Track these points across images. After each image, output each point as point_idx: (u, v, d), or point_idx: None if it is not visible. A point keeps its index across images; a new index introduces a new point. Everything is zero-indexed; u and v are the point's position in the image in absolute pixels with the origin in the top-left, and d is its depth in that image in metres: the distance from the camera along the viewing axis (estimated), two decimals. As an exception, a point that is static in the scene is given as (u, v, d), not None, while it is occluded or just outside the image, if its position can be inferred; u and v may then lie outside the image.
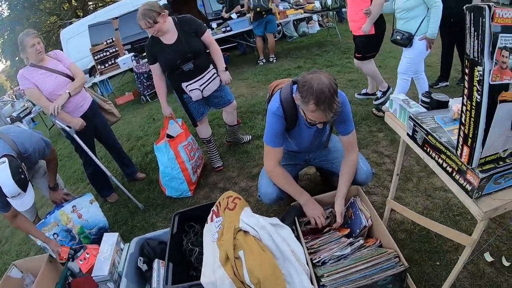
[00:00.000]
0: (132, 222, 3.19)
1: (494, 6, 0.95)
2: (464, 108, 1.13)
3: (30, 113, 8.40)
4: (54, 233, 2.70)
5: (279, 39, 9.27)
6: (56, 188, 2.96)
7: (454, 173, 1.30)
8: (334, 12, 8.38)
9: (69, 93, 2.98)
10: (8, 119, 8.03)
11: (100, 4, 23.10)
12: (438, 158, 1.39)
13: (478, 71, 1.03)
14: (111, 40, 7.79)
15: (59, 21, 22.13)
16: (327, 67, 6.04)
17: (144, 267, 2.26)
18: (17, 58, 23.36)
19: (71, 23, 11.75)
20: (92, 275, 2.17)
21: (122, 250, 2.45)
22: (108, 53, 7.69)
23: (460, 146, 1.21)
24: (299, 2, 8.44)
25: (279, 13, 7.27)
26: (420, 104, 1.70)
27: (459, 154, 1.23)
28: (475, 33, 1.01)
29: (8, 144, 2.28)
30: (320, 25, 9.51)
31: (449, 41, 4.27)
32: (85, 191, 4.28)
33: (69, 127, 3.00)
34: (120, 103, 8.03)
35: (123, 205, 3.52)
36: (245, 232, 1.76)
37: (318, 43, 8.02)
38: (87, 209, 2.85)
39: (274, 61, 7.16)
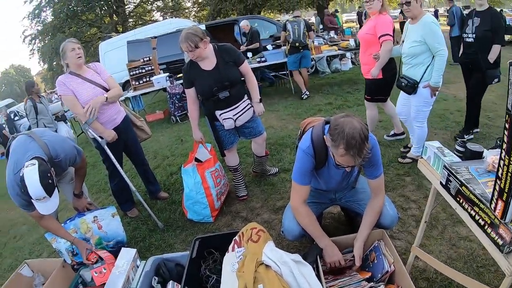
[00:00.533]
0: (149, 240, 3.19)
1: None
2: (502, 162, 1.11)
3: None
4: None
5: (312, 74, 9.36)
6: (81, 195, 3.01)
7: (486, 226, 1.28)
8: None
9: (106, 97, 3.07)
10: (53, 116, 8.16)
11: (139, 22, 24.10)
12: (471, 210, 1.36)
13: None
14: (148, 58, 8.08)
15: (99, 33, 23.20)
16: (357, 105, 6.01)
17: (157, 287, 2.25)
18: (54, 63, 24.42)
19: (110, 37, 12.25)
20: None
21: (138, 267, 2.44)
22: (143, 71, 7.98)
23: (494, 200, 1.18)
24: (333, 39, 8.57)
25: (314, 49, 7.36)
26: (454, 153, 1.68)
27: (493, 208, 1.20)
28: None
29: (41, 148, 2.33)
30: (353, 62, 9.58)
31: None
32: (106, 202, 4.38)
33: (101, 137, 3.07)
34: (150, 120, 8.24)
35: (143, 221, 3.54)
36: (267, 266, 1.74)
37: (350, 81, 8.05)
38: (108, 222, 2.86)
39: (306, 96, 7.16)
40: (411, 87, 3.38)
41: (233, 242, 2.07)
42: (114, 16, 24.18)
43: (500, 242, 1.19)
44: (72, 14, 22.83)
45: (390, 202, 2.25)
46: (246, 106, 3.11)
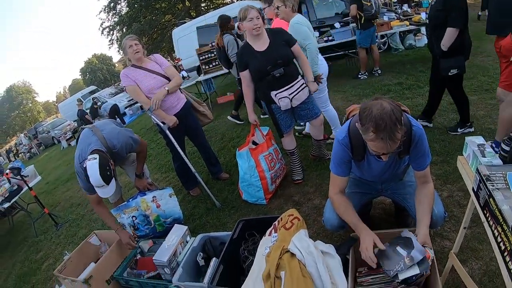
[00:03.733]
0: (206, 218, 3.43)
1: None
2: None
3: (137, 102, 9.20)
4: (133, 216, 3.08)
5: (384, 51, 8.88)
6: (142, 176, 3.33)
7: (505, 253, 1.07)
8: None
9: (167, 90, 3.27)
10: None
11: (212, 6, 24.39)
12: (494, 229, 1.14)
13: None
14: (215, 42, 8.20)
15: (173, 20, 23.89)
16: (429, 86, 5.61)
17: (201, 262, 2.46)
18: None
19: (184, 22, 12.64)
20: (153, 258, 2.46)
21: (187, 242, 2.67)
22: (213, 55, 8.12)
23: None
24: (407, 12, 7.99)
25: (382, 25, 6.96)
26: (500, 152, 1.43)
27: None
28: None
29: (100, 141, 2.70)
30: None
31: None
32: (173, 181, 4.74)
33: (163, 123, 3.29)
34: (221, 102, 8.53)
35: (202, 201, 3.79)
36: (292, 254, 1.77)
37: (423, 58, 7.45)
38: (165, 201, 3.14)
39: (378, 74, 6.83)
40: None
41: (272, 226, 2.13)
42: (187, 1, 24.71)
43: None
44: (146, 4, 23.78)
45: (437, 197, 2.04)
46: (301, 85, 3.12)
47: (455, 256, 1.80)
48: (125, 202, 3.08)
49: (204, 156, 4.06)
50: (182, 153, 3.44)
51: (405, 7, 8.74)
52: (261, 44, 3.03)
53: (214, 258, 2.33)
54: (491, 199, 1.16)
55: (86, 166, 2.45)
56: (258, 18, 2.92)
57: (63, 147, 16.59)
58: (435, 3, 3.39)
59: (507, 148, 1.40)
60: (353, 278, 1.80)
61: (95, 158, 2.44)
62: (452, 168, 3.13)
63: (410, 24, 7.08)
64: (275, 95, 3.05)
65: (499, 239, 1.11)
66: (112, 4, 24.89)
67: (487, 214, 1.21)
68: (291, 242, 1.82)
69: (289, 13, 3.55)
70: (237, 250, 2.30)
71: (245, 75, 3.15)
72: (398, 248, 1.72)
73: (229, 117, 6.33)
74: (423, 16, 7.04)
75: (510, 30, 2.55)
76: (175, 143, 3.36)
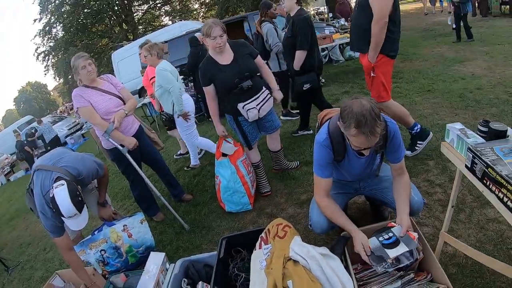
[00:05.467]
0: (177, 242, 3.25)
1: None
2: None
3: (81, 128, 8.79)
4: (102, 250, 2.81)
5: (325, 64, 9.28)
6: (105, 204, 3.10)
7: None
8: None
9: (126, 112, 3.13)
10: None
11: (149, 28, 24.28)
12: (499, 192, 1.31)
13: None
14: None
15: (110, 43, 23.51)
16: (375, 92, 5.93)
17: None
18: (70, 77, 25.01)
19: (122, 45, 12.37)
20: None
21: (167, 270, 2.49)
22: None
23: None
24: (344, 26, 8.44)
25: (324, 38, 7.27)
26: (477, 133, 1.63)
27: None
28: None
29: (62, 174, 2.42)
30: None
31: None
32: (131, 208, 4.47)
33: (122, 146, 3.10)
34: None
35: (169, 225, 3.61)
36: (295, 261, 1.74)
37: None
38: (137, 229, 2.94)
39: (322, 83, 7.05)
40: (169, 121, 4.43)
41: (259, 239, 2.08)
42: (124, 24, 24.48)
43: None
44: (82, 28, 23.25)
45: (415, 187, 2.20)
46: (266, 96, 3.16)
47: (446, 234, 1.95)
48: (90, 236, 2.81)
49: (164, 180, 3.91)
50: (143, 175, 3.28)
51: (342, 21, 9.21)
52: (225, 58, 3.01)
53: (200, 282, 2.21)
54: (489, 169, 1.34)
55: (53, 195, 2.19)
56: (222, 36, 2.88)
57: (1, 183, 15.28)
58: (287, 32, 4.13)
59: (484, 129, 1.59)
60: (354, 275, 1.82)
61: (63, 184, 2.21)
62: (412, 163, 3.32)
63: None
64: (243, 107, 3.04)
65: (505, 199, 1.28)
66: (47, 28, 23.86)
67: (488, 183, 1.37)
68: (291, 250, 1.79)
69: (155, 60, 4.14)
70: (226, 269, 2.20)
71: (209, 90, 3.09)
72: (387, 250, 1.77)
73: (281, 117, 5.75)
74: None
75: (367, 50, 3.11)
76: (136, 166, 3.20)
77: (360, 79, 6.92)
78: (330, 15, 13.66)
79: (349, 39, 7.46)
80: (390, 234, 1.83)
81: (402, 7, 22.00)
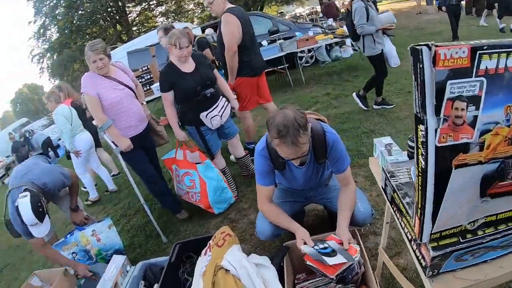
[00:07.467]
0: (146, 246, 3.34)
1: (436, 45, 0.74)
2: (416, 171, 0.92)
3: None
4: (73, 252, 2.92)
5: (311, 64, 9.34)
6: (77, 209, 3.18)
7: (412, 242, 1.12)
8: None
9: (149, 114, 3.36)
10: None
11: (143, 30, 24.17)
12: (401, 221, 1.21)
13: (421, 130, 0.83)
14: (146, 67, 8.21)
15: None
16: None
17: None
18: (65, 78, 24.78)
19: (115, 47, 12.34)
20: None
21: (127, 272, 2.61)
22: (143, 80, 8.02)
23: (413, 215, 1.01)
24: (331, 26, 8.44)
25: (307, 39, 7.28)
26: (407, 150, 1.53)
27: (412, 224, 1.04)
28: (415, 82, 0.80)
29: (29, 186, 2.55)
30: (354, 49, 9.46)
31: None
32: (111, 212, 4.59)
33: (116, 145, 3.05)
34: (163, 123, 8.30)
35: (141, 229, 3.71)
36: (227, 270, 1.80)
37: (349, 68, 7.97)
38: (106, 234, 3.03)
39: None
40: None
41: (207, 245, 2.14)
42: (118, 26, 24.33)
43: (423, 263, 1.04)
44: (76, 29, 23.00)
45: (363, 197, 2.20)
46: (224, 103, 3.28)
47: (383, 250, 1.90)
48: (63, 239, 2.93)
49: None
50: (132, 182, 3.19)
51: (330, 21, 9.23)
52: (187, 66, 3.09)
53: (156, 285, 2.30)
54: (395, 194, 1.25)
55: (17, 205, 2.36)
56: (188, 47, 2.97)
57: (-5, 187, 15.40)
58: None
59: (412, 144, 1.48)
60: (292, 285, 1.87)
61: (26, 196, 2.37)
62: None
63: (335, 37, 7.47)
64: (206, 115, 3.12)
65: (406, 230, 1.18)
66: (42, 30, 23.75)
67: (394, 208, 1.30)
68: (224, 259, 1.85)
69: (53, 105, 4.61)
70: (177, 273, 2.28)
71: (168, 96, 3.12)
72: (325, 257, 1.76)
73: (374, 106, 5.12)
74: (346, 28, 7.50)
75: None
76: (126, 169, 3.16)
77: (343, 81, 7.01)
78: (321, 15, 13.72)
79: (333, 39, 7.55)
80: (326, 245, 1.81)
81: (394, 6, 21.89)
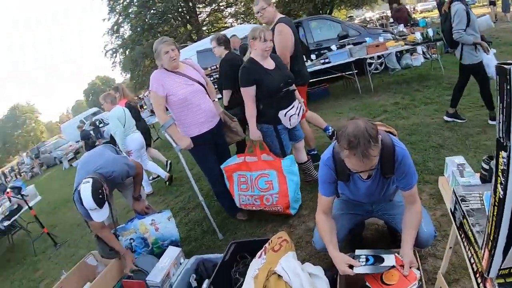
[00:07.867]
0: (201, 241, 3.45)
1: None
2: (493, 200, 0.85)
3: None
4: (131, 238, 3.10)
5: (381, 71, 9.02)
6: (139, 198, 3.34)
7: (477, 275, 1.03)
8: (442, 43, 7.58)
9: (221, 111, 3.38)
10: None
11: (213, 30, 24.84)
12: (467, 250, 1.12)
13: (502, 157, 0.76)
14: (215, 67, 8.39)
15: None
16: (425, 104, 5.63)
17: (194, 284, 2.49)
18: (136, 73, 26.37)
19: (185, 46, 12.80)
20: (146, 279, 2.52)
21: (181, 264, 2.71)
22: (212, 78, 8.15)
23: (483, 246, 0.93)
24: (403, 32, 8.11)
25: (377, 46, 7.04)
26: (481, 172, 1.43)
27: (481, 256, 0.96)
28: (500, 105, 0.72)
29: (92, 175, 2.70)
30: (425, 57, 9.01)
31: None
32: (172, 203, 4.79)
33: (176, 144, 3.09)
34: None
35: (199, 223, 3.83)
36: (279, 276, 1.79)
37: (420, 77, 7.58)
38: (164, 224, 3.16)
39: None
40: None
41: (263, 248, 2.15)
42: (188, 25, 25.29)
43: (487, 300, 0.95)
44: (148, 27, 24.33)
45: (427, 216, 2.08)
46: (299, 103, 3.30)
47: (442, 276, 1.81)
48: (123, 225, 3.11)
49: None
50: (190, 176, 3.23)
51: (401, 27, 8.88)
52: (268, 63, 3.12)
53: (207, 280, 2.36)
54: (465, 220, 1.16)
55: (80, 189, 2.53)
56: (271, 41, 3.03)
57: (64, 168, 16.70)
58: None
59: (486, 167, 1.40)
60: None
61: (88, 182, 2.52)
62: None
63: (405, 44, 7.15)
64: (285, 114, 3.12)
65: (472, 261, 1.10)
66: (115, 27, 25.44)
67: (462, 235, 1.21)
68: (279, 264, 1.85)
69: (109, 106, 4.93)
70: (229, 272, 2.32)
71: (250, 92, 3.04)
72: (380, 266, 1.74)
73: (445, 118, 4.82)
74: (418, 35, 7.14)
75: None
76: (187, 169, 3.20)
77: (413, 90, 6.66)
78: (391, 20, 13.26)
79: (404, 46, 7.22)
80: (364, 257, 1.81)
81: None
